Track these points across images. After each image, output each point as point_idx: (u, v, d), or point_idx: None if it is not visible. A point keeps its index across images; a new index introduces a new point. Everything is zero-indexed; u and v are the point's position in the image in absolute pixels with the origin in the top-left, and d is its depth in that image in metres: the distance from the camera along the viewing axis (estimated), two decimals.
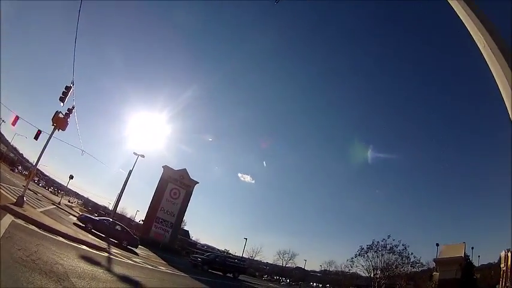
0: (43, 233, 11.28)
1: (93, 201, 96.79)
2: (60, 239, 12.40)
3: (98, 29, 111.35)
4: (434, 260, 32.84)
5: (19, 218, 11.16)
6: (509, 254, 27.69)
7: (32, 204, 17.87)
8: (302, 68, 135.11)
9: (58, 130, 15.75)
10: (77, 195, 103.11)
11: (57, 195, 59.53)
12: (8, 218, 10.10)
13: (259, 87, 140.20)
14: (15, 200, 13.29)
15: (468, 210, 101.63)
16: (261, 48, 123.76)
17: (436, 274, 31.77)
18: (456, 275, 27.87)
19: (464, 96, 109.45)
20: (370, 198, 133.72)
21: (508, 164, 64.88)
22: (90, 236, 18.55)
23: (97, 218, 26.88)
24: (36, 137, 19.64)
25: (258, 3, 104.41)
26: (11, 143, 75.34)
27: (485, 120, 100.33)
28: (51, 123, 15.48)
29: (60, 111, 15.61)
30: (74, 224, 22.21)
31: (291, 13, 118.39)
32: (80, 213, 35.53)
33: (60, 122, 15.64)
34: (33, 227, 11.35)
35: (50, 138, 15.73)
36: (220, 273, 27.92)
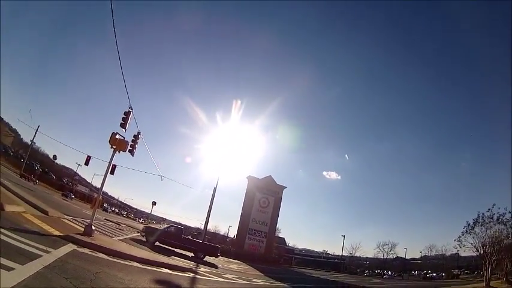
0: (111, 259, 9.97)
1: (184, 224, 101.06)
2: (135, 264, 10.99)
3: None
4: None
5: (84, 246, 10.06)
6: None
7: (109, 234, 17.50)
8: None
9: (119, 152, 15.08)
10: (164, 220, 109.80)
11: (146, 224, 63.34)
12: (68, 248, 8.91)
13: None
14: (83, 230, 12.59)
15: None
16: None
17: None
18: None
19: None
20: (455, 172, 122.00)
21: None
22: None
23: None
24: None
25: None
26: (91, 183, 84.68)
27: None
28: (110, 146, 14.87)
29: (117, 132, 14.90)
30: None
31: None
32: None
33: (119, 143, 14.95)
34: (102, 254, 10.13)
35: (111, 160, 15.06)
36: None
